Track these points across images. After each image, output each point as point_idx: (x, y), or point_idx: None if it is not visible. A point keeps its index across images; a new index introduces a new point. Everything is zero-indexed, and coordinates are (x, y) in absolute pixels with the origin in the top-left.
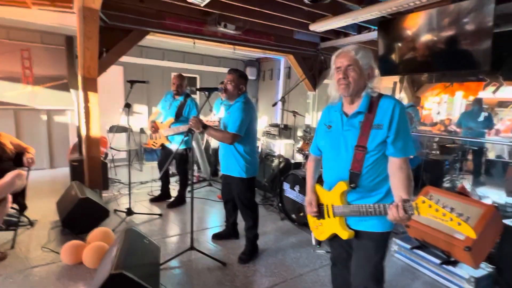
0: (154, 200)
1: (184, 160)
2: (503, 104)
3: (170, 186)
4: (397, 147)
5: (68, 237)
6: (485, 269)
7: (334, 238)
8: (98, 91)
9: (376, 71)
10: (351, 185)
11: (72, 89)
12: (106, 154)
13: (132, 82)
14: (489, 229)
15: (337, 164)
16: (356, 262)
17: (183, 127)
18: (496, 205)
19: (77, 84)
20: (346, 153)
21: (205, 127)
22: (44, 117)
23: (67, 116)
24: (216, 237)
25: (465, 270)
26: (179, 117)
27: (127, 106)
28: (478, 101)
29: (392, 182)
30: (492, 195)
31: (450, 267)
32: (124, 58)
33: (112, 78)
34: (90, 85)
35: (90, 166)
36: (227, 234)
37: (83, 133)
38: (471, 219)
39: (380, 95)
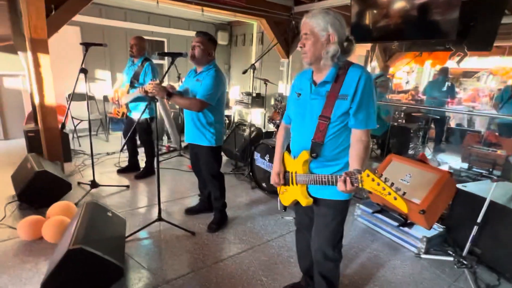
0: (122, 171)
1: (146, 130)
2: (467, 74)
3: (139, 157)
4: (358, 119)
5: (26, 212)
6: (436, 229)
7: (298, 204)
8: (52, 54)
9: (336, 38)
10: (312, 154)
11: (20, 52)
12: (63, 124)
13: (87, 45)
14: (442, 193)
15: (301, 133)
16: (315, 228)
17: (135, 93)
18: (452, 171)
19: (25, 45)
20: (310, 122)
21: (170, 94)
22: None
23: (18, 82)
24: (189, 212)
25: (419, 231)
26: (133, 83)
27: (83, 71)
28: (444, 71)
29: (350, 152)
30: (450, 161)
31: (406, 229)
32: (81, 18)
33: (69, 41)
34: (39, 46)
35: (47, 137)
36: (201, 208)
37: (37, 101)
38: (427, 184)
39: (349, 64)
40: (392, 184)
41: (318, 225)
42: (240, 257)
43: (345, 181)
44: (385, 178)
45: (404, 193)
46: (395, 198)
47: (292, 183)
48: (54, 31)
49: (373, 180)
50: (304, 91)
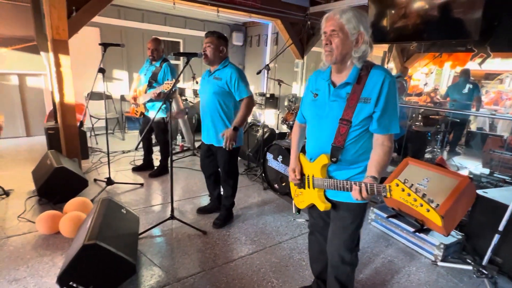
0: (137, 169)
1: (162, 129)
2: (489, 76)
3: (154, 156)
4: (381, 124)
5: (45, 207)
6: (455, 236)
7: (313, 207)
8: (72, 54)
9: (367, 37)
10: (332, 159)
11: (43, 52)
12: (82, 123)
13: (105, 45)
14: (462, 199)
15: (320, 136)
16: (332, 230)
17: (151, 93)
18: (471, 176)
19: (47, 46)
20: (330, 125)
21: (236, 128)
22: (16, 82)
23: (40, 81)
24: (201, 211)
25: (436, 238)
26: (151, 83)
27: (101, 71)
28: (465, 72)
29: (371, 156)
30: (470, 165)
31: (422, 235)
32: (100, 19)
33: (88, 41)
34: (60, 47)
35: (66, 135)
36: (212, 208)
37: (57, 99)
38: (446, 189)
39: (371, 65)
40: (424, 195)
41: (335, 229)
42: (251, 258)
43: (359, 190)
44: (416, 189)
45: (438, 205)
46: (428, 210)
47: (309, 187)
48: (74, 32)
49: (403, 190)
50: (321, 92)
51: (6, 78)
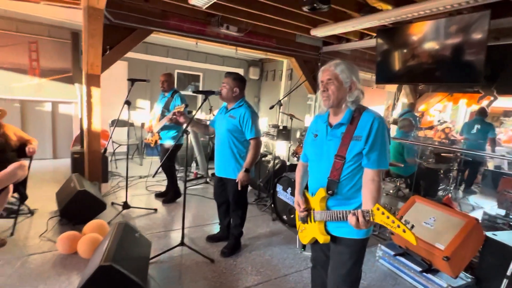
0: (160, 195)
1: (169, 156)
2: (508, 113)
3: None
4: (371, 159)
5: (65, 227)
6: (464, 279)
7: (315, 241)
8: (102, 85)
9: (359, 85)
10: (329, 192)
11: (76, 83)
12: (105, 149)
13: (132, 81)
14: (469, 240)
15: (318, 171)
16: (331, 265)
17: (163, 121)
18: (487, 216)
19: (81, 78)
20: (327, 161)
21: (247, 170)
22: (49, 109)
23: (71, 108)
24: (211, 239)
25: (444, 279)
26: (164, 112)
27: (127, 103)
28: (479, 111)
29: (363, 191)
30: (486, 205)
31: (430, 275)
32: (129, 54)
33: (116, 73)
34: (93, 81)
35: (90, 159)
36: (222, 236)
37: (85, 127)
38: (453, 230)
39: (364, 109)
40: (401, 217)
41: (334, 264)
42: None
43: (355, 215)
44: (394, 212)
45: (413, 226)
46: (404, 231)
47: (311, 221)
48: (106, 68)
49: (383, 213)
50: (320, 132)
51: (41, 105)
